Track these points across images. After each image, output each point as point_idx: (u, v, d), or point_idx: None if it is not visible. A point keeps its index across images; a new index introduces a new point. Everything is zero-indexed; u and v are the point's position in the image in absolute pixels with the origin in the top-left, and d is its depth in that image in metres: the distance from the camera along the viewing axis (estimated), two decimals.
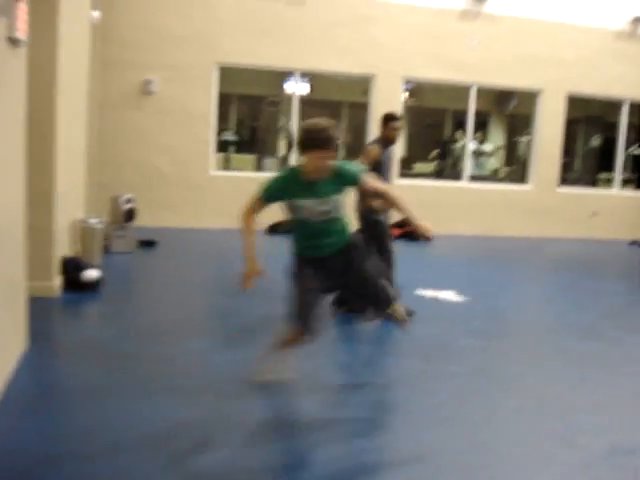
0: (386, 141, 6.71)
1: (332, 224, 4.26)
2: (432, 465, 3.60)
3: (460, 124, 14.62)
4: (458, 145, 15.47)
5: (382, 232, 6.61)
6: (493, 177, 15.76)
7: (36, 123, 5.79)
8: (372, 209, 6.50)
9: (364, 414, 4.30)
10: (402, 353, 5.72)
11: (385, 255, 6.54)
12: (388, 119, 6.71)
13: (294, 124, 12.85)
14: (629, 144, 16.11)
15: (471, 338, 6.06)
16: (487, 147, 16.10)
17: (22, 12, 4.45)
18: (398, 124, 6.65)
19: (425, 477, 3.47)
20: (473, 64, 12.69)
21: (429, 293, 7.69)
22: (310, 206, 4.15)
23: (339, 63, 12.25)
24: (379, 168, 6.51)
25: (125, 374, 4.70)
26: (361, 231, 6.78)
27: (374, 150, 6.62)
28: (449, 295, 7.69)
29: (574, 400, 4.74)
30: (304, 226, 4.25)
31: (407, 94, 15.52)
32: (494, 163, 16.23)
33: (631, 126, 14.24)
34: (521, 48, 12.88)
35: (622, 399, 4.83)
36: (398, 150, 17.86)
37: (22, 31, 4.48)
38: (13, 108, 4.52)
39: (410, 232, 12.07)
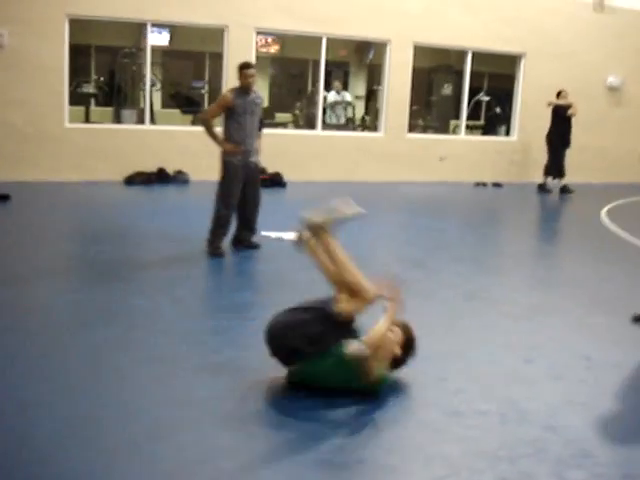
0: (243, 89, 7.12)
1: None
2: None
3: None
4: (318, 95, 15.92)
5: (229, 173, 7.09)
6: (349, 125, 16.29)
7: None
8: (225, 152, 7.06)
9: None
10: (236, 287, 6.23)
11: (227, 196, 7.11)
12: (242, 67, 7.18)
13: (148, 76, 12.93)
14: (478, 92, 17.08)
15: (303, 272, 6.54)
16: (347, 96, 16.62)
17: None
18: (251, 71, 7.06)
19: None
20: (323, 15, 13.09)
21: (274, 234, 8.15)
22: None
23: (191, 14, 12.39)
24: (231, 114, 7.03)
25: None
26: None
27: (224, 97, 7.12)
28: (292, 236, 8.17)
29: None
30: None
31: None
32: (351, 112, 16.76)
33: (480, 75, 15.05)
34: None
35: (426, 317, 5.45)
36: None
37: None
38: None
39: (268, 178, 12.54)
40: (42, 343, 4.51)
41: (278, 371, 4.07)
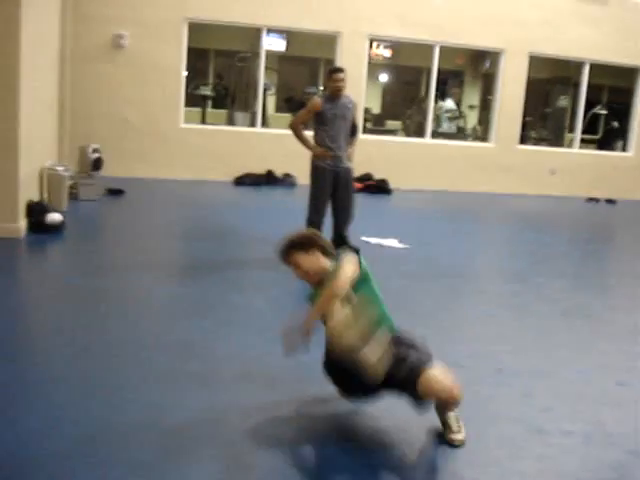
0: (330, 94, 7.04)
1: None
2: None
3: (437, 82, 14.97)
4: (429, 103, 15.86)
5: (318, 178, 7.10)
6: (460, 135, 16.15)
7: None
8: (315, 156, 7.10)
9: None
10: None
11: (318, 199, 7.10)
12: (330, 72, 7.13)
13: (261, 80, 13.22)
14: (595, 105, 16.61)
15: (401, 279, 6.58)
16: (449, 104, 16.51)
17: None
18: (337, 76, 6.89)
19: None
20: (437, 23, 13.07)
21: (374, 240, 8.20)
22: None
23: (306, 20, 12.60)
24: (321, 119, 6.99)
25: (74, 304, 5.23)
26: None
27: (312, 102, 7.06)
28: (393, 242, 8.20)
29: (476, 331, 5.29)
30: None
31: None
32: (461, 121, 16.62)
33: (599, 87, 14.65)
34: (484, 8, 13.25)
35: (520, 332, 5.38)
36: (374, 108, 18.32)
37: None
38: None
39: (374, 184, 12.61)
40: (138, 330, 4.70)
41: None
